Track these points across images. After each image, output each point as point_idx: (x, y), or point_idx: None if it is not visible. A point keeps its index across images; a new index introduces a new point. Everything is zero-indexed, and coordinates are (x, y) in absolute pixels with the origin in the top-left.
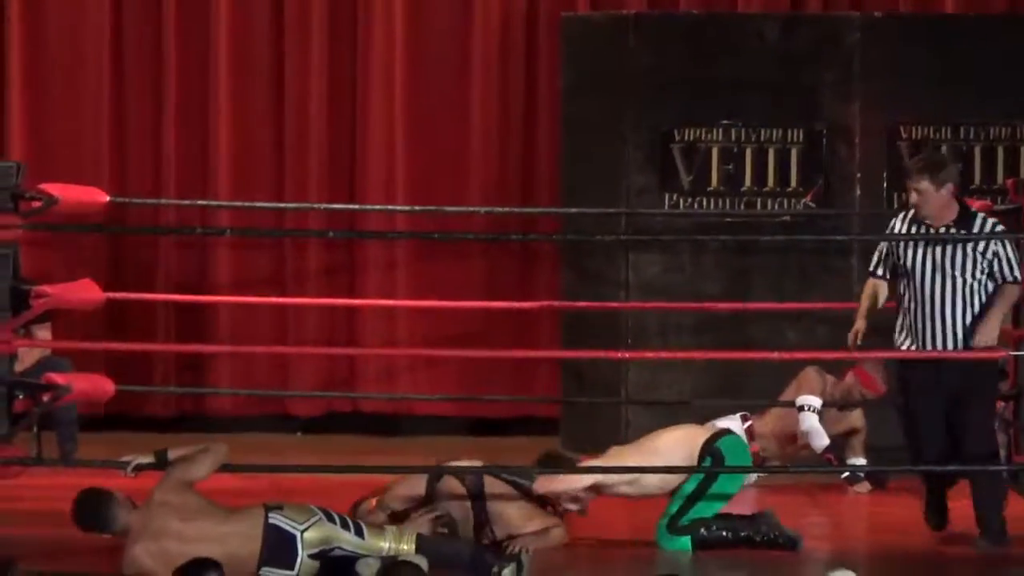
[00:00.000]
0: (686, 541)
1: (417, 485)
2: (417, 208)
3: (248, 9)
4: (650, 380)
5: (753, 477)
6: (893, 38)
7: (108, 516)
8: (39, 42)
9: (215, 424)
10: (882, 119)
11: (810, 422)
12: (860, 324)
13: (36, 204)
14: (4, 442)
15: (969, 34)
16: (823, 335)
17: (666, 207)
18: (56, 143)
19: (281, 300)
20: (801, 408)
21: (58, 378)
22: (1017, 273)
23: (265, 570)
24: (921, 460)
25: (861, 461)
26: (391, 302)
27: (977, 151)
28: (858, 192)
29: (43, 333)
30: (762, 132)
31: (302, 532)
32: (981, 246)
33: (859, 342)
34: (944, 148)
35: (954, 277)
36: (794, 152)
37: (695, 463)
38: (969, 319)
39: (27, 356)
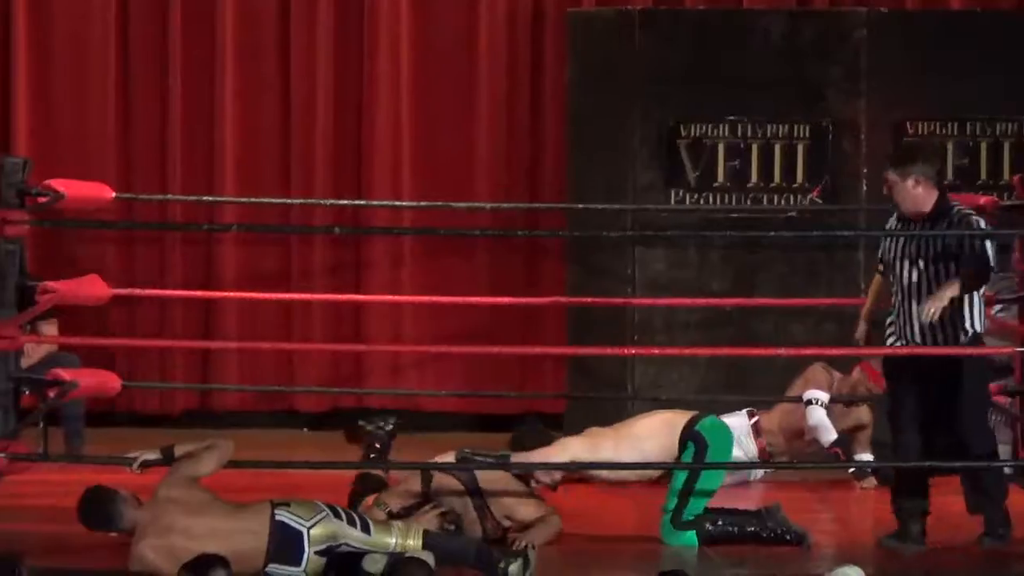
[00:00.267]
0: (692, 536)
1: (414, 483)
2: (423, 204)
3: (254, 3)
4: (656, 376)
5: (759, 473)
6: (899, 33)
7: (114, 514)
8: (45, 37)
9: (221, 420)
10: (888, 115)
11: (817, 416)
12: (862, 327)
13: (42, 200)
14: (11, 438)
15: (976, 29)
16: (829, 331)
17: (672, 203)
18: (62, 139)
19: (287, 296)
20: (808, 403)
21: (64, 374)
22: (987, 262)
23: (272, 567)
24: (899, 450)
25: (868, 457)
26: (397, 298)
27: (983, 147)
28: (864, 188)
29: (49, 329)
30: (768, 128)
31: (309, 528)
32: (953, 238)
33: (863, 341)
34: (950, 144)
35: (927, 270)
36: (800, 148)
37: (675, 450)
38: (944, 312)
39: (34, 352)
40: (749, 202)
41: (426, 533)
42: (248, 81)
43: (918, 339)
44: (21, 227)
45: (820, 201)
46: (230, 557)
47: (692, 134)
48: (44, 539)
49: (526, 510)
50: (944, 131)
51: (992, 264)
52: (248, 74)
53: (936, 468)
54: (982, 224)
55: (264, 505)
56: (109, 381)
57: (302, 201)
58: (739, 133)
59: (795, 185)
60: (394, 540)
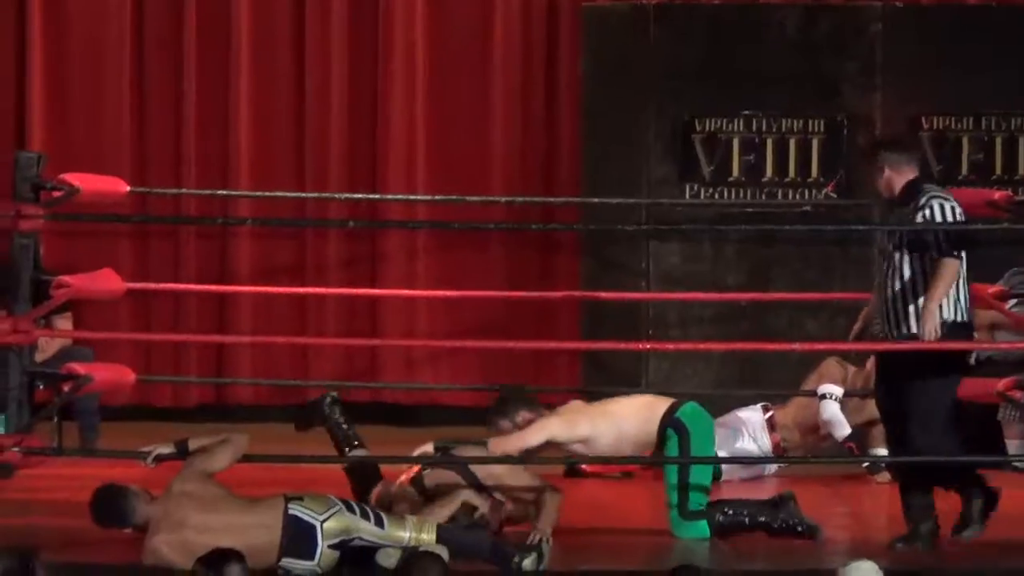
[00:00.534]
0: (703, 526)
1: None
2: (438, 198)
3: None
4: (670, 370)
5: (774, 467)
6: (915, 28)
7: (126, 511)
8: (60, 33)
9: (235, 414)
10: (903, 109)
11: (831, 411)
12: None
13: (57, 194)
14: (25, 432)
15: (991, 24)
16: (844, 325)
17: (687, 197)
18: (77, 133)
19: (302, 290)
20: (823, 397)
21: (79, 368)
22: (947, 247)
23: (285, 560)
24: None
25: (882, 451)
26: (412, 292)
27: (999, 141)
28: None
29: (64, 323)
30: (783, 122)
31: (322, 522)
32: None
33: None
34: (965, 139)
35: (892, 256)
36: (815, 142)
37: (653, 434)
38: (904, 297)
39: (48, 346)
40: (764, 197)
41: (440, 527)
42: (263, 74)
43: (884, 328)
44: (36, 221)
45: (835, 196)
46: (244, 551)
47: (707, 128)
48: (59, 533)
49: (529, 487)
50: (959, 126)
51: (944, 250)
52: (263, 67)
53: (944, 468)
54: (947, 209)
55: (277, 499)
56: (123, 375)
57: (316, 195)
58: (754, 127)
59: (810, 180)
60: (408, 534)
